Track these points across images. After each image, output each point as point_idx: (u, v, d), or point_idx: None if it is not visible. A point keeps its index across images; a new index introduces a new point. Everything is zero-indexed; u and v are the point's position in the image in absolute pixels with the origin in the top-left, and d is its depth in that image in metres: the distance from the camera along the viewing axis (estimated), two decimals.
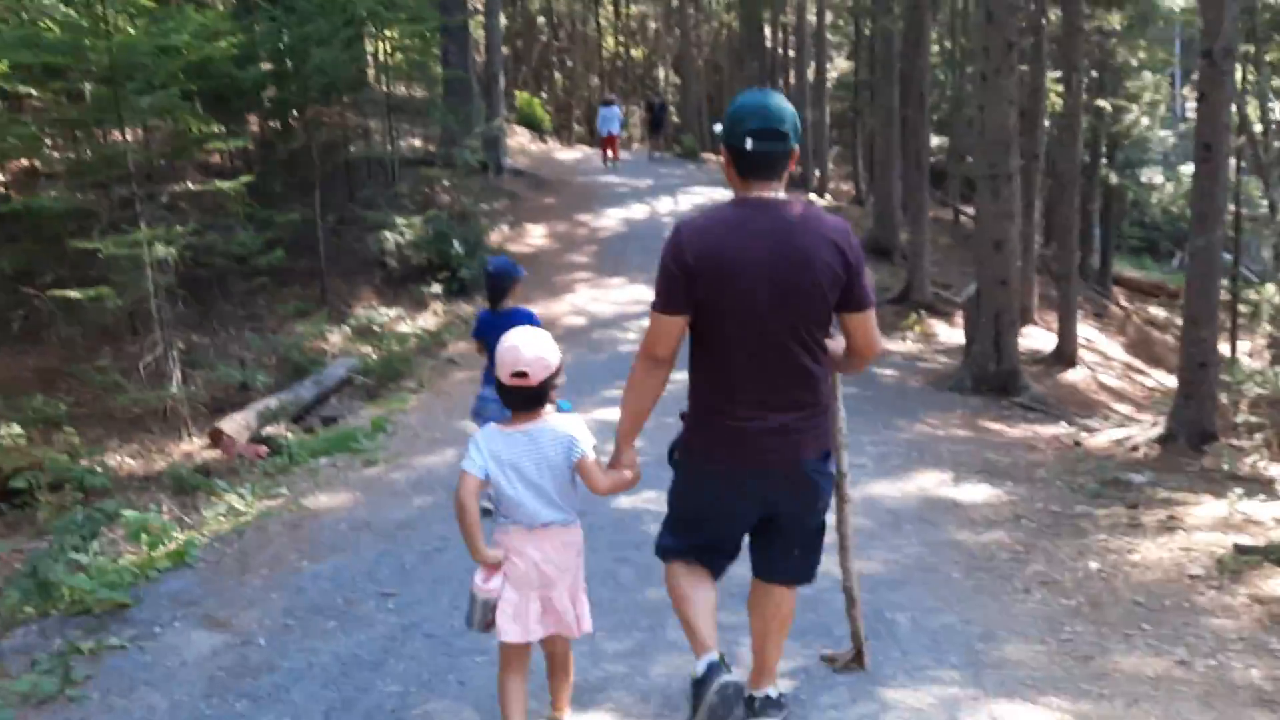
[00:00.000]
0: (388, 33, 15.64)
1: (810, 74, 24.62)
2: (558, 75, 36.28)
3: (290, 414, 10.32)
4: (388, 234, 13.58)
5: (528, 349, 2.97)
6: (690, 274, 2.83)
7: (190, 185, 10.36)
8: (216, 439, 9.57)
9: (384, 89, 16.24)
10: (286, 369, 11.56)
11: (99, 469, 8.41)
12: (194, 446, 9.69)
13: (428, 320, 13.32)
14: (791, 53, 27.37)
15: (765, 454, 2.95)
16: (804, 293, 2.84)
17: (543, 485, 3.01)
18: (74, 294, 8.81)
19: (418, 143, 19.33)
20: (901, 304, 15.10)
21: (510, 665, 3.16)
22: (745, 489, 3.03)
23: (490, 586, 3.04)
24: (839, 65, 29.66)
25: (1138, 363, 17.16)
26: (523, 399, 3.01)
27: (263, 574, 5.08)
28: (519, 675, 3.17)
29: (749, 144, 2.84)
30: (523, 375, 2.95)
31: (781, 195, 2.92)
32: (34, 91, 10.52)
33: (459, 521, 2.96)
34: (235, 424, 9.67)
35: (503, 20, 29.91)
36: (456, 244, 14.07)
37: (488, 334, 5.16)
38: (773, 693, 3.34)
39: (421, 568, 5.12)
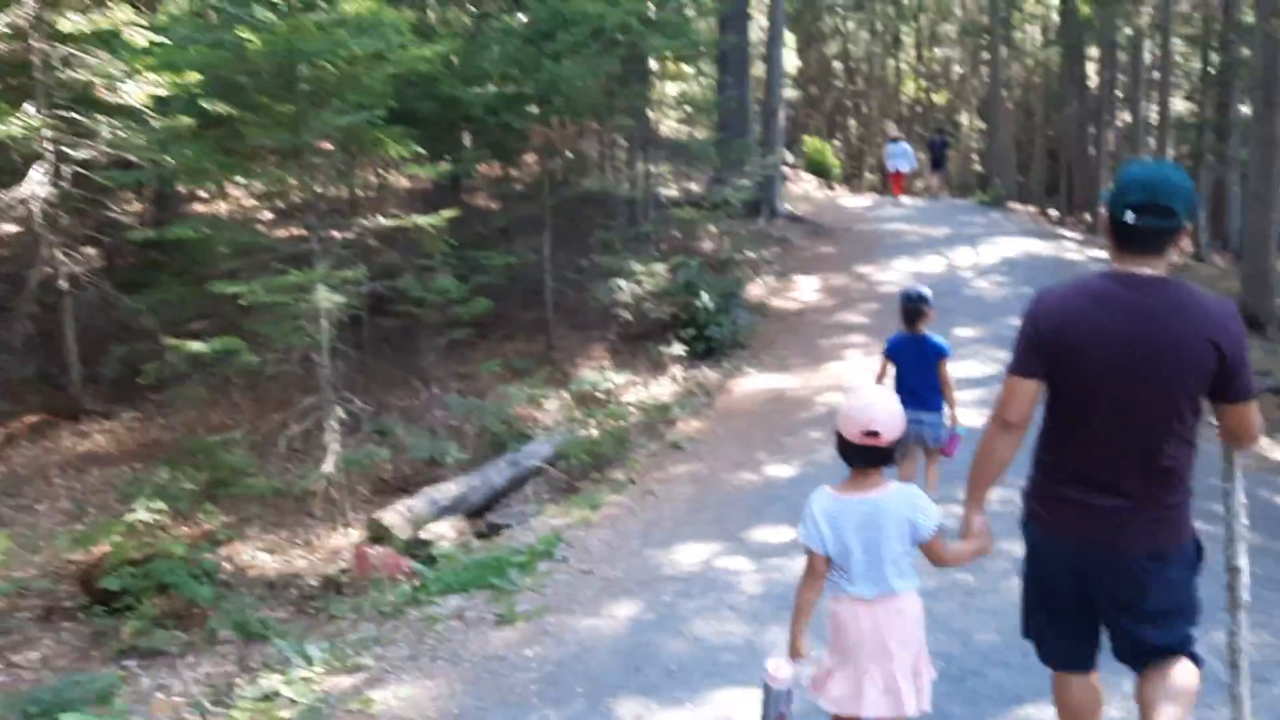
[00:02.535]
0: (655, 52, 13.59)
1: (1152, 113, 20.85)
2: (851, 121, 33.50)
3: (471, 505, 8.30)
4: (622, 282, 11.41)
5: (883, 407, 2.82)
6: (1038, 343, 2.72)
7: (382, 219, 8.54)
8: (378, 535, 7.67)
9: (646, 116, 14.21)
10: (486, 441, 9.62)
11: (208, 574, 6.59)
12: (347, 540, 7.82)
13: (663, 388, 10.98)
14: (1118, 92, 23.45)
15: (1089, 536, 2.73)
16: (1163, 382, 2.61)
17: (881, 555, 2.81)
18: (195, 346, 6.99)
19: (693, 186, 17.33)
20: None
21: None
22: (1073, 566, 2.79)
23: (782, 677, 2.83)
24: (1175, 105, 25.30)
25: None
26: (870, 458, 2.83)
27: None
28: None
29: (1129, 217, 2.63)
30: (874, 435, 2.78)
31: (1158, 273, 2.67)
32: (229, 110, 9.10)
33: (797, 604, 2.89)
34: (398, 515, 7.73)
35: (795, 62, 27.77)
36: (706, 296, 11.67)
37: (898, 354, 5.68)
38: None
39: None
